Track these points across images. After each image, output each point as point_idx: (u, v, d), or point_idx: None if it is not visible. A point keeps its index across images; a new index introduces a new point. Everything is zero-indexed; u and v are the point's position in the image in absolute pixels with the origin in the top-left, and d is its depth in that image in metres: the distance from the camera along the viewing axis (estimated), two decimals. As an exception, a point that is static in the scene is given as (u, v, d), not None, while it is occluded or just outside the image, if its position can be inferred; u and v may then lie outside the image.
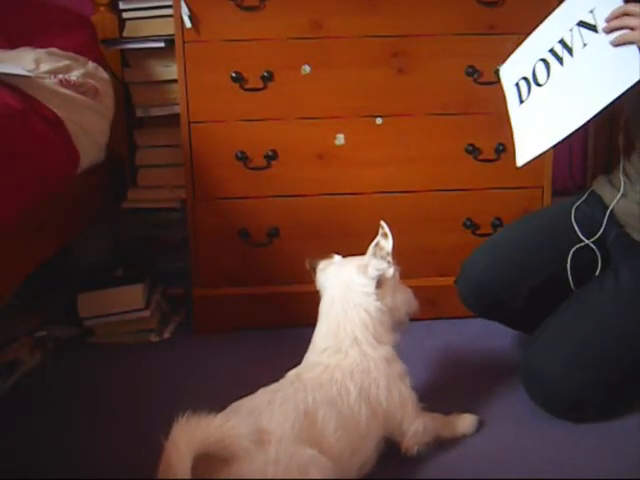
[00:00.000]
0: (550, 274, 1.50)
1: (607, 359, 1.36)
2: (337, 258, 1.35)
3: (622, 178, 1.48)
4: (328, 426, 1.12)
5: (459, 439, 1.34)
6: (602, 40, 1.28)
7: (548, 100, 1.37)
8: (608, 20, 1.26)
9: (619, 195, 1.47)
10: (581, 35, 1.32)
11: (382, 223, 1.29)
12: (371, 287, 1.26)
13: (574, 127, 1.32)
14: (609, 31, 1.26)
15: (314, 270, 1.34)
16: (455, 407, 1.39)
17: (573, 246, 1.49)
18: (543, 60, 1.38)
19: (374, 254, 1.28)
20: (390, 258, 1.28)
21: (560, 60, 1.35)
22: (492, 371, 1.60)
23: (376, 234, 1.29)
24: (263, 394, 1.16)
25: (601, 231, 1.48)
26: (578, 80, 1.32)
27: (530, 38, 1.44)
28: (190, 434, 0.95)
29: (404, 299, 1.32)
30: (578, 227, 1.51)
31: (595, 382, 1.35)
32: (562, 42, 1.35)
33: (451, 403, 1.42)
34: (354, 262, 1.30)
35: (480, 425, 1.37)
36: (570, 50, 1.33)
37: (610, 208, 1.48)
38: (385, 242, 1.28)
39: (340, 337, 1.23)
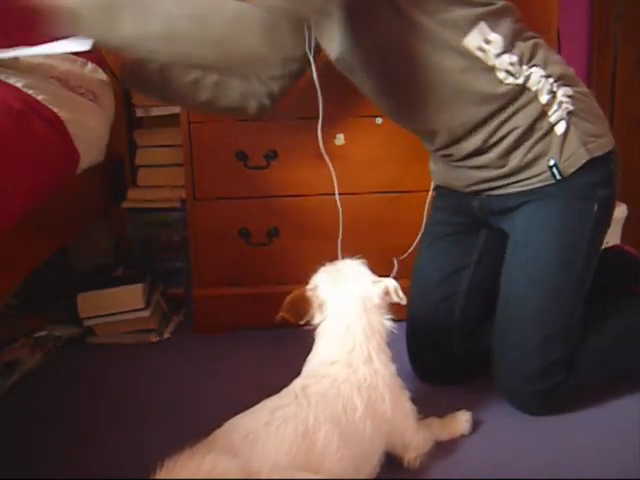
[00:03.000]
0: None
1: (541, 337, 1.37)
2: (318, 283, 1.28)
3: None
4: (329, 447, 1.09)
5: (457, 440, 1.34)
6: None
7: None
8: None
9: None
10: None
11: (401, 292, 1.27)
12: (386, 314, 1.27)
13: None
14: None
15: (302, 314, 1.26)
16: (453, 406, 1.39)
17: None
18: None
19: (382, 297, 1.26)
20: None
21: None
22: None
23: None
24: (262, 412, 1.12)
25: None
26: None
27: None
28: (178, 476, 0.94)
29: None
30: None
31: (543, 365, 1.36)
32: None
33: (449, 402, 1.42)
34: (359, 284, 1.26)
35: (476, 422, 1.37)
36: None
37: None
38: (398, 299, 1.27)
39: (355, 354, 1.21)
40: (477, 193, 1.47)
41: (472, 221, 1.54)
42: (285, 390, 1.19)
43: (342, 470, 1.10)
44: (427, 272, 1.57)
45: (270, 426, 1.07)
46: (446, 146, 1.43)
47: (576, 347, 1.40)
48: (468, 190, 1.48)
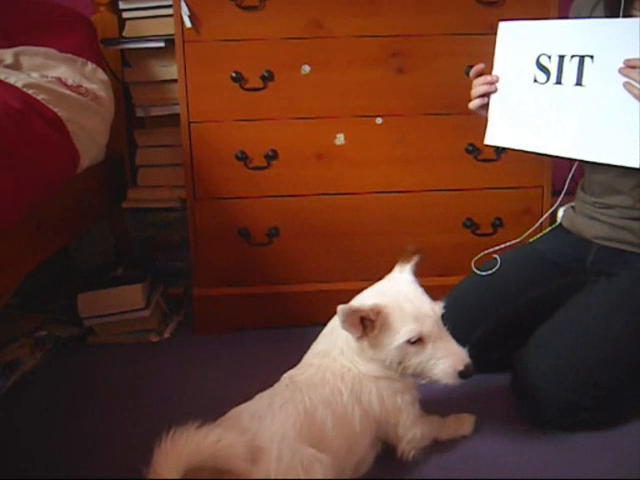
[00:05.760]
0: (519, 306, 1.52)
1: (597, 360, 1.32)
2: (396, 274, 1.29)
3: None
4: (326, 425, 1.14)
5: (458, 440, 1.34)
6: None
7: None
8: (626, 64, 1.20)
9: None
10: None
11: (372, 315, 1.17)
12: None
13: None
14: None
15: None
16: (454, 408, 1.40)
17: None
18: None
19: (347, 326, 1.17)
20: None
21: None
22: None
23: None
24: (261, 399, 1.17)
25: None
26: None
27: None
28: (181, 450, 0.95)
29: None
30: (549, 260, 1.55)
31: (585, 384, 1.31)
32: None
33: (450, 404, 1.42)
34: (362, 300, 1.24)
35: (478, 425, 1.37)
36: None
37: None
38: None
39: (331, 344, 1.26)
40: (601, 246, 1.49)
41: (568, 265, 1.53)
42: (276, 383, 1.25)
43: (337, 447, 1.15)
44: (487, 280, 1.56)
45: (273, 407, 1.13)
46: (619, 205, 1.45)
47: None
48: (596, 241, 1.49)
